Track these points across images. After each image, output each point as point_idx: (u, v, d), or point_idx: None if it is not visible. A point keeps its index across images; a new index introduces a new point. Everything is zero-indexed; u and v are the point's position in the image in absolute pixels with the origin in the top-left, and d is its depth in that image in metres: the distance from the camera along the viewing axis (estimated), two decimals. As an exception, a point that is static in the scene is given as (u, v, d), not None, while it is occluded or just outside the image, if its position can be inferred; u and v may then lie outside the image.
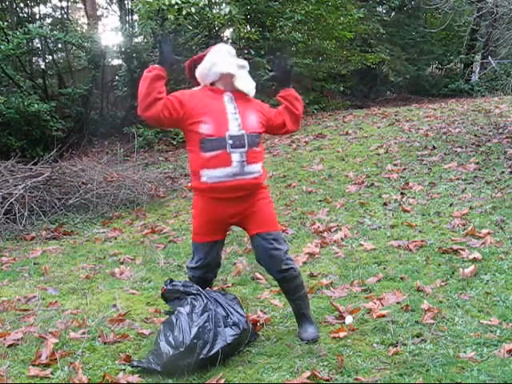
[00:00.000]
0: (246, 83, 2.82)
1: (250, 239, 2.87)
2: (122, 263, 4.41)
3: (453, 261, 3.79)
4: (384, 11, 16.24)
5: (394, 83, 15.48)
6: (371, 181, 6.16)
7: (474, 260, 3.72)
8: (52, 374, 2.61)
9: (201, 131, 2.69)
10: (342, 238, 4.50)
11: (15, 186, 5.72)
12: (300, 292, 2.87)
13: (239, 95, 2.81)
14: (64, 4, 12.53)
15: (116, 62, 11.39)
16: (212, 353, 2.56)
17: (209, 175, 2.69)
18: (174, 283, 2.81)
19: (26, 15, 11.72)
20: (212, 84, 2.83)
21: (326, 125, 10.13)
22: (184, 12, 8.32)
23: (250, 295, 3.51)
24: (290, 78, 3.01)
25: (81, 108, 9.94)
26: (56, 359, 2.71)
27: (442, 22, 11.55)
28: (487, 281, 3.42)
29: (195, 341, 2.54)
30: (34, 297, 3.66)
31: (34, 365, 2.68)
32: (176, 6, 8.08)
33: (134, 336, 2.99)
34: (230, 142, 2.67)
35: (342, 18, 11.49)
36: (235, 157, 2.67)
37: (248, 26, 10.41)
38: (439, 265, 3.76)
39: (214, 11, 9.20)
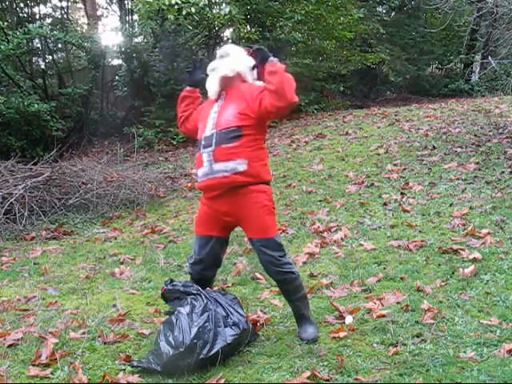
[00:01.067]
0: (222, 70, 2.80)
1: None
2: (122, 263, 4.41)
3: (453, 261, 3.79)
4: (384, 11, 16.23)
5: (394, 83, 15.47)
6: (371, 181, 6.16)
7: (474, 260, 3.72)
8: (52, 373, 2.62)
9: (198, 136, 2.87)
10: (342, 238, 4.50)
11: (15, 186, 5.72)
12: (299, 293, 2.86)
13: (231, 90, 2.82)
14: (64, 4, 12.54)
15: (116, 62, 11.40)
16: (212, 353, 2.56)
17: (197, 175, 2.86)
18: (174, 283, 2.81)
19: (26, 15, 11.72)
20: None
21: (326, 125, 10.13)
22: (184, 12, 8.32)
23: (249, 295, 3.52)
24: (265, 51, 2.80)
25: (81, 108, 9.95)
26: (56, 359, 2.71)
27: (442, 21, 11.55)
28: (487, 281, 3.42)
29: (195, 341, 2.54)
30: (34, 297, 3.66)
31: (33, 365, 2.68)
32: (176, 6, 8.07)
33: (133, 336, 2.99)
34: (203, 142, 2.77)
35: (342, 18, 11.49)
36: (204, 156, 2.74)
37: (248, 26, 10.41)
38: (439, 265, 3.76)
39: (214, 11, 9.19)
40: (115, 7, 13.56)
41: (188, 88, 3.05)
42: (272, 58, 2.73)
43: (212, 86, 2.84)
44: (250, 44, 3.10)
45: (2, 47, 8.08)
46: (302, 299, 2.89)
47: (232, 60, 2.84)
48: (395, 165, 6.66)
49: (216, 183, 2.71)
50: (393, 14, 16.69)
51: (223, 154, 2.67)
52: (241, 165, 2.67)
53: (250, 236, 2.80)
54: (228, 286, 3.70)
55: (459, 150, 6.94)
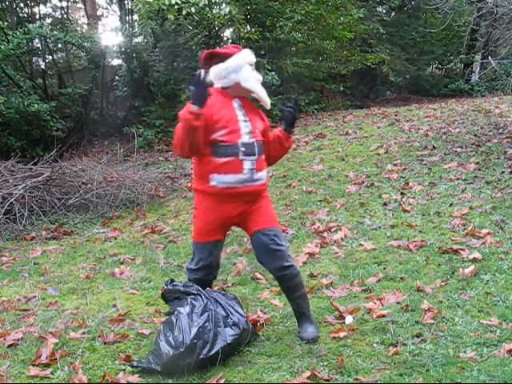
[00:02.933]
0: (265, 97, 2.89)
1: (250, 238, 2.87)
2: (122, 263, 4.41)
3: (453, 261, 3.79)
4: (384, 11, 16.23)
5: (394, 83, 15.47)
6: (371, 181, 6.16)
7: (474, 260, 3.72)
8: (52, 374, 2.62)
9: (213, 137, 2.70)
10: (342, 238, 4.50)
11: (15, 186, 5.72)
12: (300, 291, 2.88)
13: (246, 102, 2.87)
14: (64, 4, 12.54)
15: (116, 62, 11.39)
16: (212, 353, 2.56)
17: (219, 180, 2.72)
18: (174, 283, 2.81)
19: (26, 15, 11.72)
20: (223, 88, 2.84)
21: (326, 125, 10.13)
22: (184, 12, 8.32)
23: (249, 295, 3.51)
24: (294, 125, 3.04)
25: (81, 108, 9.94)
26: (56, 359, 2.71)
27: (442, 22, 11.56)
28: (487, 281, 3.42)
29: (195, 341, 2.54)
30: (34, 297, 3.66)
31: (34, 365, 2.68)
32: (176, 6, 8.08)
33: (133, 336, 2.99)
34: (243, 149, 2.72)
35: (341, 18, 11.49)
36: (247, 164, 2.73)
37: (248, 26, 10.40)
38: (439, 265, 3.76)
39: (214, 11, 9.19)
40: (115, 7, 13.57)
41: (198, 111, 2.58)
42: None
43: (266, 97, 2.87)
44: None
45: (2, 47, 8.08)
46: (303, 297, 2.90)
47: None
48: (395, 165, 6.67)
49: (254, 190, 2.78)
50: (393, 14, 16.69)
51: (262, 163, 2.81)
52: (266, 173, 2.88)
53: (259, 228, 2.79)
54: (228, 286, 3.70)
55: (459, 149, 6.94)
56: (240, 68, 2.80)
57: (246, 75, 2.81)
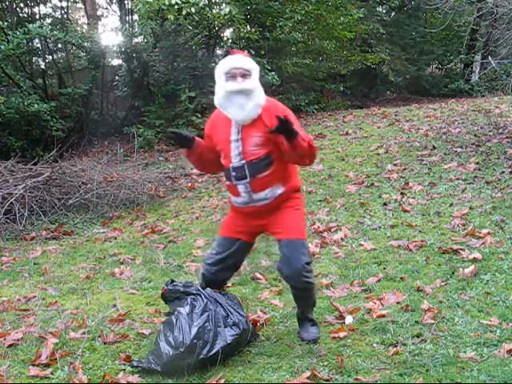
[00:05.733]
0: (237, 112, 2.57)
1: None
2: (122, 263, 4.41)
3: (453, 261, 3.79)
4: (384, 11, 16.22)
5: (394, 83, 15.47)
6: (371, 181, 6.16)
7: (474, 260, 3.72)
8: (52, 374, 2.62)
9: (221, 160, 2.73)
10: (342, 238, 4.50)
11: (15, 186, 5.72)
12: (311, 301, 2.85)
13: None
14: (64, 4, 12.54)
15: (116, 62, 11.38)
16: (212, 353, 2.56)
17: (231, 199, 2.77)
18: (174, 283, 2.81)
19: (26, 15, 11.71)
20: None
21: (326, 125, 10.13)
22: (184, 12, 8.32)
23: (249, 295, 3.51)
24: (290, 132, 2.51)
25: (81, 108, 9.94)
26: (56, 359, 2.71)
27: (442, 22, 11.55)
28: (487, 281, 3.42)
29: (195, 341, 2.54)
30: (34, 297, 3.66)
31: (33, 365, 2.68)
32: (176, 6, 8.07)
33: (134, 336, 2.99)
34: (234, 173, 2.66)
35: (341, 18, 11.47)
36: (240, 188, 2.67)
37: (248, 26, 10.39)
38: (439, 265, 3.76)
39: (214, 11, 9.19)
40: (115, 7, 13.57)
41: (187, 152, 2.73)
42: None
43: (244, 110, 2.57)
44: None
45: (2, 47, 8.07)
46: (312, 306, 2.89)
47: (256, 91, 2.60)
48: (395, 165, 6.66)
49: (260, 209, 2.70)
50: (393, 14, 16.69)
51: (260, 183, 2.63)
52: (279, 188, 2.68)
53: (280, 237, 2.69)
54: (228, 286, 3.68)
55: (459, 150, 6.94)
56: (217, 81, 2.64)
57: (216, 89, 2.64)
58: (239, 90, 2.55)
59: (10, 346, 2.89)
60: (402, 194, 5.55)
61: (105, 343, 2.90)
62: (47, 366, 2.69)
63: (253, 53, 10.74)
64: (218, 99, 2.63)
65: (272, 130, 2.49)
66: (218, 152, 2.72)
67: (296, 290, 2.77)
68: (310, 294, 2.80)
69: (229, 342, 2.61)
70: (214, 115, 2.79)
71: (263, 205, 2.68)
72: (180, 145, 2.72)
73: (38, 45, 10.54)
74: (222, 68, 2.63)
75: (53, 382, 2.56)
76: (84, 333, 3.01)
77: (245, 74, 2.59)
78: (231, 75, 2.59)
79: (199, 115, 9.08)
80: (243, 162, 2.62)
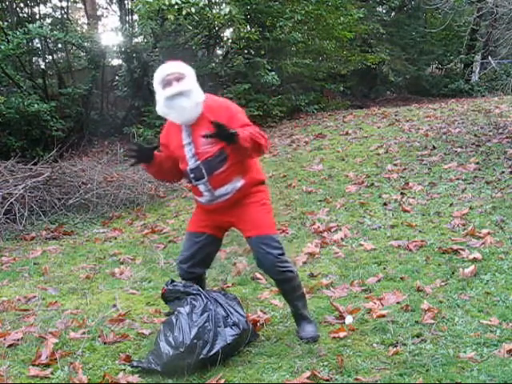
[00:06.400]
0: (180, 114, 2.65)
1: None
2: (122, 263, 4.41)
3: (453, 261, 3.79)
4: (384, 11, 16.21)
5: (394, 83, 15.46)
6: (371, 181, 6.15)
7: (474, 260, 3.72)
8: (52, 374, 2.62)
9: (179, 166, 2.80)
10: (342, 238, 4.50)
11: (15, 186, 5.73)
12: (297, 293, 2.86)
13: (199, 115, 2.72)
14: (64, 4, 12.53)
15: (116, 62, 11.39)
16: (212, 353, 2.56)
17: (195, 198, 2.86)
18: (174, 283, 2.81)
19: (25, 15, 11.71)
20: None
21: (326, 125, 10.13)
22: (184, 12, 8.31)
23: (249, 295, 3.52)
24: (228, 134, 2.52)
25: (81, 108, 9.94)
26: (56, 359, 2.71)
27: (442, 22, 11.56)
28: (487, 281, 3.42)
29: (195, 341, 2.54)
30: (34, 297, 3.66)
31: (33, 365, 2.68)
32: (176, 6, 8.07)
33: (134, 336, 2.99)
34: (192, 175, 2.74)
35: (341, 18, 11.47)
36: (201, 187, 2.75)
37: (248, 26, 10.39)
38: (439, 265, 3.76)
39: (214, 11, 9.19)
40: (115, 7, 13.56)
41: (145, 166, 2.81)
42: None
43: (186, 112, 2.63)
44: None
45: (2, 47, 8.08)
46: (300, 298, 2.89)
47: (193, 91, 2.64)
48: (395, 165, 6.66)
49: (223, 205, 2.75)
50: (393, 14, 16.68)
51: (219, 179, 2.69)
52: (238, 181, 2.73)
53: (248, 234, 2.77)
54: (228, 286, 3.70)
55: (459, 150, 6.94)
56: (156, 92, 2.70)
57: (157, 99, 2.70)
58: (177, 93, 2.61)
59: (10, 346, 2.89)
60: (402, 193, 5.55)
61: (105, 343, 2.90)
62: (47, 365, 2.69)
63: (253, 53, 10.75)
64: (159, 109, 2.70)
65: (207, 135, 2.52)
66: (175, 159, 2.79)
67: (278, 282, 2.83)
68: (293, 285, 2.82)
69: (229, 341, 2.62)
70: (167, 124, 2.84)
71: (225, 199, 2.73)
72: (139, 161, 2.75)
73: (38, 45, 10.55)
74: (157, 79, 2.70)
75: (53, 382, 2.56)
76: (84, 333, 3.01)
77: (179, 78, 2.65)
78: (166, 82, 2.65)
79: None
80: (198, 162, 2.70)
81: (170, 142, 2.79)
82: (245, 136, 2.55)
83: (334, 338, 2.84)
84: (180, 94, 2.61)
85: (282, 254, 2.76)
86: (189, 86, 2.64)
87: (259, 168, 2.88)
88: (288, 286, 2.83)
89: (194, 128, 2.69)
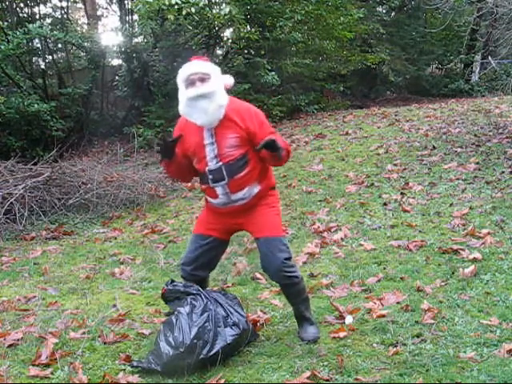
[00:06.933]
0: (201, 116, 2.60)
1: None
2: (122, 263, 4.41)
3: (453, 261, 3.79)
4: (384, 11, 16.21)
5: (394, 83, 15.46)
6: (371, 181, 6.16)
7: (474, 260, 3.72)
8: (52, 373, 2.62)
9: (193, 164, 2.76)
10: (342, 238, 4.50)
11: (15, 186, 5.72)
12: (301, 296, 2.85)
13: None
14: (64, 4, 12.53)
15: (116, 62, 11.39)
16: (212, 353, 2.56)
17: (208, 200, 2.81)
18: (174, 283, 2.81)
19: (26, 15, 11.71)
20: None
21: (326, 125, 10.13)
22: (184, 12, 8.31)
23: (250, 295, 3.52)
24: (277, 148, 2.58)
25: (81, 108, 9.94)
26: (56, 359, 2.71)
27: (442, 22, 11.55)
28: (487, 281, 3.42)
29: (195, 341, 2.54)
30: (34, 297, 3.66)
31: (33, 365, 2.68)
32: (176, 6, 8.06)
33: (134, 336, 2.99)
34: (210, 176, 2.68)
35: (341, 18, 11.46)
36: (218, 190, 2.70)
37: (248, 26, 10.39)
38: (439, 265, 3.76)
39: (214, 11, 9.18)
40: (115, 7, 13.55)
41: (165, 163, 2.77)
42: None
43: (208, 114, 2.59)
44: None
45: (2, 47, 8.07)
46: (304, 302, 2.88)
47: (217, 93, 2.61)
48: (395, 165, 6.66)
49: (237, 209, 2.73)
50: (393, 14, 16.68)
51: (238, 183, 2.67)
52: (256, 187, 2.73)
53: (257, 235, 2.74)
54: (228, 286, 3.70)
55: (459, 150, 6.94)
56: (180, 91, 2.67)
57: (179, 98, 2.66)
58: (199, 95, 2.58)
59: (10, 345, 2.89)
60: (402, 193, 5.55)
61: (105, 343, 2.90)
62: (47, 365, 2.69)
63: (253, 53, 10.75)
64: (182, 108, 2.67)
65: (260, 147, 2.54)
66: (189, 157, 2.75)
67: (282, 286, 2.81)
68: (297, 289, 2.80)
69: (229, 341, 2.62)
70: (181, 121, 2.80)
71: (241, 204, 2.72)
72: (163, 155, 2.71)
73: (38, 45, 10.54)
74: (180, 77, 2.67)
75: (53, 382, 2.56)
76: (84, 333, 3.01)
77: (203, 78, 2.61)
78: (190, 82, 2.62)
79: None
80: (220, 164, 2.66)
81: (187, 137, 2.70)
82: (283, 145, 2.62)
83: (334, 337, 2.84)
84: (202, 96, 2.58)
85: (289, 259, 2.72)
86: (212, 88, 2.60)
87: (272, 174, 2.88)
88: (293, 290, 2.81)
89: (219, 129, 2.65)
